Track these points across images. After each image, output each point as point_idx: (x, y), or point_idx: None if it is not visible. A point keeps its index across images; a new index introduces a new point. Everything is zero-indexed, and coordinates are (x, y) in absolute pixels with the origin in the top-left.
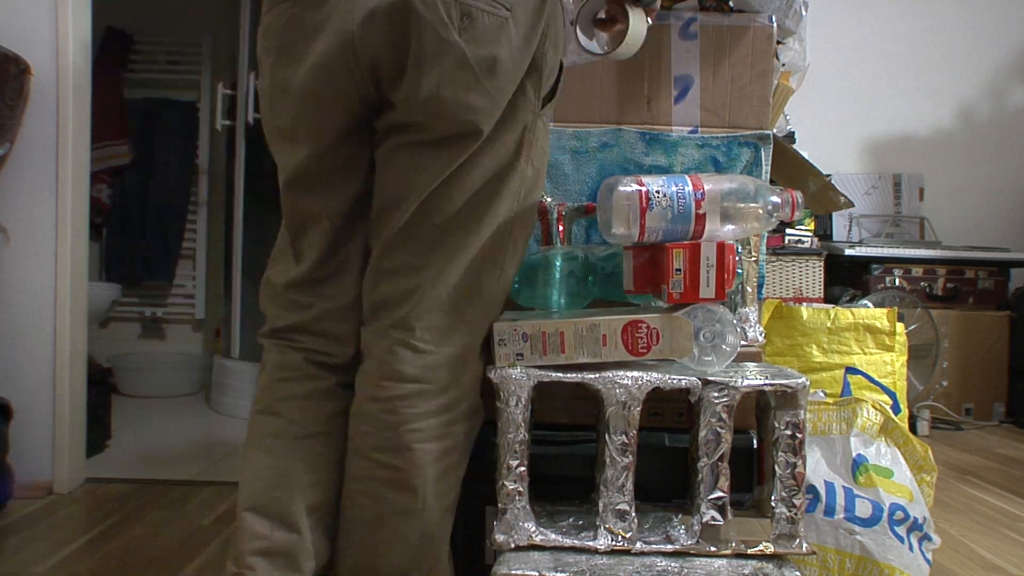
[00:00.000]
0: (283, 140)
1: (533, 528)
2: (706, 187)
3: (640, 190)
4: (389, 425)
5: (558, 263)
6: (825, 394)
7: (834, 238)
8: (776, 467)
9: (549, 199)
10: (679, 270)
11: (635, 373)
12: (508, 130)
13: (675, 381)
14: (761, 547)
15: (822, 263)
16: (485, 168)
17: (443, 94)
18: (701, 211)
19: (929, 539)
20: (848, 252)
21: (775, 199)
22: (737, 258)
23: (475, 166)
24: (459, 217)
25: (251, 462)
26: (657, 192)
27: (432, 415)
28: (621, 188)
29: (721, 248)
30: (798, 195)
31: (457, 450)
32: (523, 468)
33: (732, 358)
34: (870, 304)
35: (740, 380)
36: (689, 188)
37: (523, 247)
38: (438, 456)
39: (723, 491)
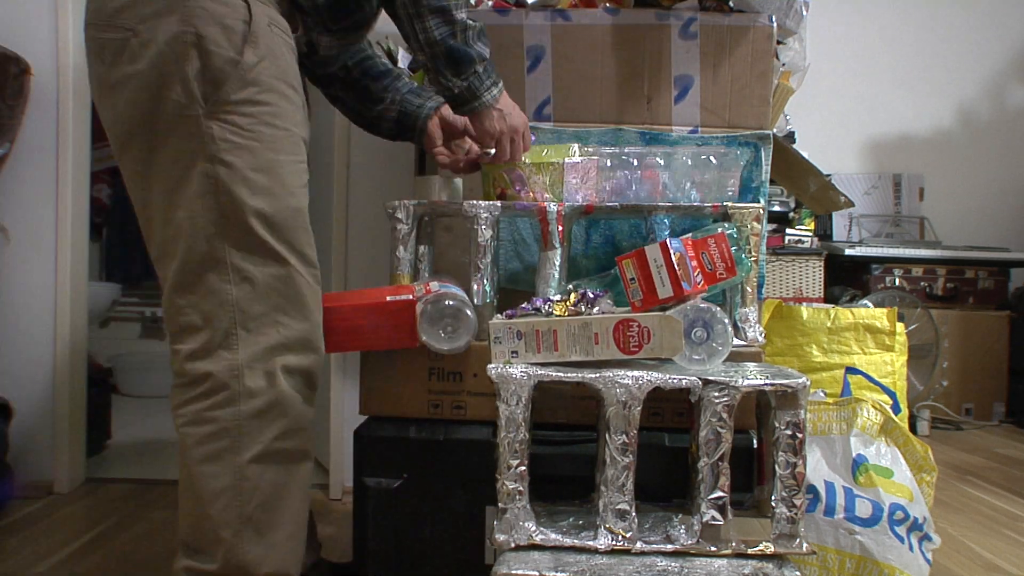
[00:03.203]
0: None
1: (533, 528)
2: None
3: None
4: (172, 411)
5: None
6: (825, 394)
7: (834, 238)
8: (776, 467)
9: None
10: (633, 279)
11: (636, 373)
12: (166, 140)
13: (675, 381)
14: (761, 547)
15: (822, 263)
16: (157, 178)
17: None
18: None
19: (929, 539)
20: (848, 252)
21: None
22: (733, 248)
23: (146, 178)
24: (164, 224)
25: None
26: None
27: (190, 403)
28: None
29: (665, 247)
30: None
31: (226, 435)
32: (523, 468)
33: (724, 356)
34: (870, 304)
35: (740, 380)
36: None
37: (258, 237)
38: (200, 440)
39: (723, 491)
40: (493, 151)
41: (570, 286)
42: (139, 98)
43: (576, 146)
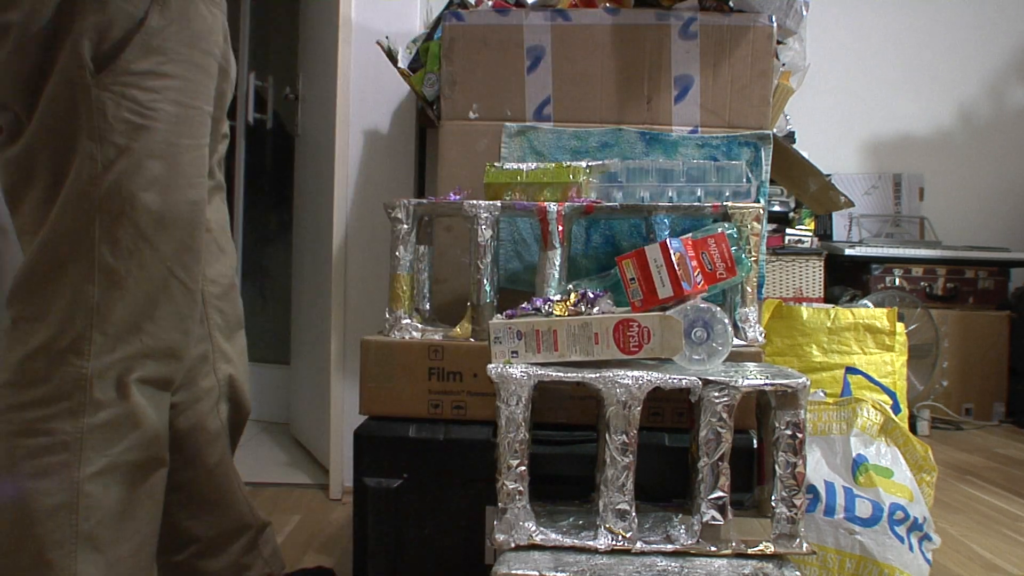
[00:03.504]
0: None
1: (533, 528)
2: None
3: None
4: None
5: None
6: (825, 394)
7: (834, 238)
8: (776, 467)
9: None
10: (633, 279)
11: (636, 373)
12: (46, 108)
13: (675, 381)
14: (761, 547)
15: (822, 263)
16: (31, 150)
17: None
18: None
19: (929, 539)
20: (848, 252)
21: None
22: (733, 248)
23: (20, 148)
24: (33, 202)
25: None
26: None
27: (22, 408)
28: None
29: (665, 247)
30: None
31: (64, 449)
32: (523, 468)
33: (725, 356)
34: (870, 304)
35: (740, 380)
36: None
37: (139, 235)
38: (31, 452)
39: (723, 491)
40: None
41: (570, 286)
42: (15, 56)
43: (584, 166)
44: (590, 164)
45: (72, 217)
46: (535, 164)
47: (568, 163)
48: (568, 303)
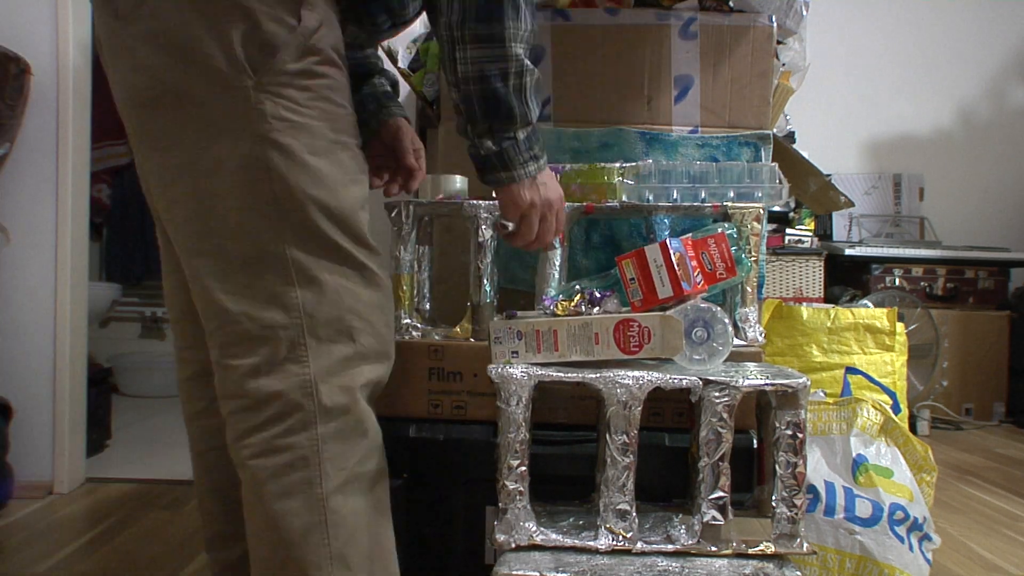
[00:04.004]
0: None
1: (534, 528)
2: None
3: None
4: (230, 443)
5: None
6: (825, 394)
7: (834, 238)
8: (777, 467)
9: None
10: (633, 279)
11: (636, 373)
12: (201, 114)
13: (676, 381)
14: (762, 547)
15: (822, 263)
16: (187, 158)
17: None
18: None
19: (929, 539)
20: (848, 252)
21: None
22: (733, 248)
23: (172, 156)
24: (198, 213)
25: None
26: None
27: (257, 430)
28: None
29: (665, 247)
30: None
31: (304, 465)
32: (524, 468)
33: (725, 356)
34: (870, 304)
35: (741, 380)
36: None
37: (319, 232)
38: (275, 472)
39: (723, 491)
40: (511, 226)
41: (577, 286)
42: (166, 62)
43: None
44: (624, 165)
45: (254, 224)
46: (568, 165)
47: (602, 164)
48: (572, 303)
